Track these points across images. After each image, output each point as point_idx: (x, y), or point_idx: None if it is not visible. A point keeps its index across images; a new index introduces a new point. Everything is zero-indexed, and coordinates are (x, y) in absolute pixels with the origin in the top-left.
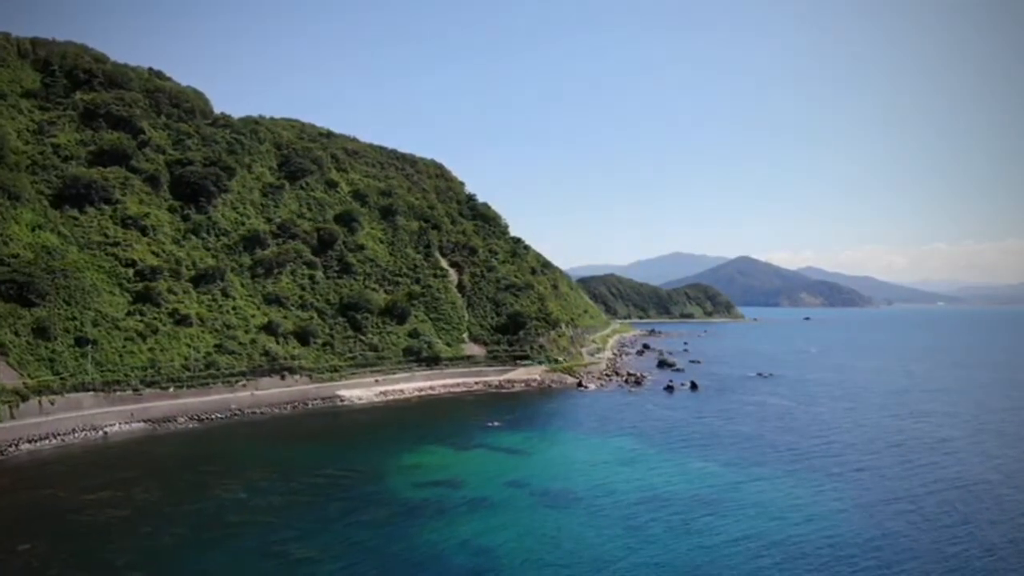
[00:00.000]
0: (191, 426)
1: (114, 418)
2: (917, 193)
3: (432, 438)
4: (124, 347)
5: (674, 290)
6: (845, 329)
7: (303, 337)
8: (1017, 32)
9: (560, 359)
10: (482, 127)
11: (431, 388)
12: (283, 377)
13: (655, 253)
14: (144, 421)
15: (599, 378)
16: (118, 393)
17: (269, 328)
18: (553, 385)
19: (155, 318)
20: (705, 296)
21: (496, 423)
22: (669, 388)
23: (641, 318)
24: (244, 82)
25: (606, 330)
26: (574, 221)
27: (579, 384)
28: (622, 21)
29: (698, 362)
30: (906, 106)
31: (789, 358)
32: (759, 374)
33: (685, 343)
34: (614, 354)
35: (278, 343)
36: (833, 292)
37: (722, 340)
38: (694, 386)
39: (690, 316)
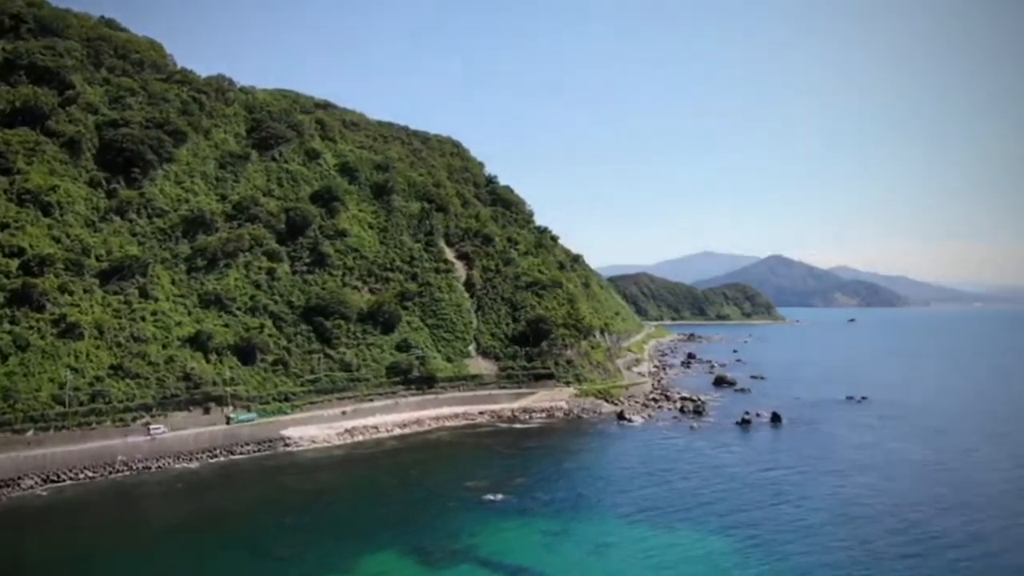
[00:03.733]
0: (41, 492)
1: None
2: (948, 191)
3: (390, 533)
4: None
5: (710, 290)
6: (896, 333)
7: (246, 353)
8: None
9: (593, 378)
10: (501, 120)
11: (418, 422)
12: (207, 411)
13: (681, 252)
14: None
15: (645, 405)
16: None
17: (197, 341)
18: (584, 416)
19: (29, 327)
20: (744, 296)
21: (499, 496)
22: (744, 422)
23: (674, 319)
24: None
25: (640, 335)
26: (598, 219)
27: (620, 415)
28: (667, 9)
29: (761, 378)
30: (932, 102)
31: (866, 372)
32: (848, 397)
33: (735, 351)
34: (656, 367)
35: (208, 361)
36: (870, 292)
37: (773, 346)
38: (776, 418)
39: (727, 317)
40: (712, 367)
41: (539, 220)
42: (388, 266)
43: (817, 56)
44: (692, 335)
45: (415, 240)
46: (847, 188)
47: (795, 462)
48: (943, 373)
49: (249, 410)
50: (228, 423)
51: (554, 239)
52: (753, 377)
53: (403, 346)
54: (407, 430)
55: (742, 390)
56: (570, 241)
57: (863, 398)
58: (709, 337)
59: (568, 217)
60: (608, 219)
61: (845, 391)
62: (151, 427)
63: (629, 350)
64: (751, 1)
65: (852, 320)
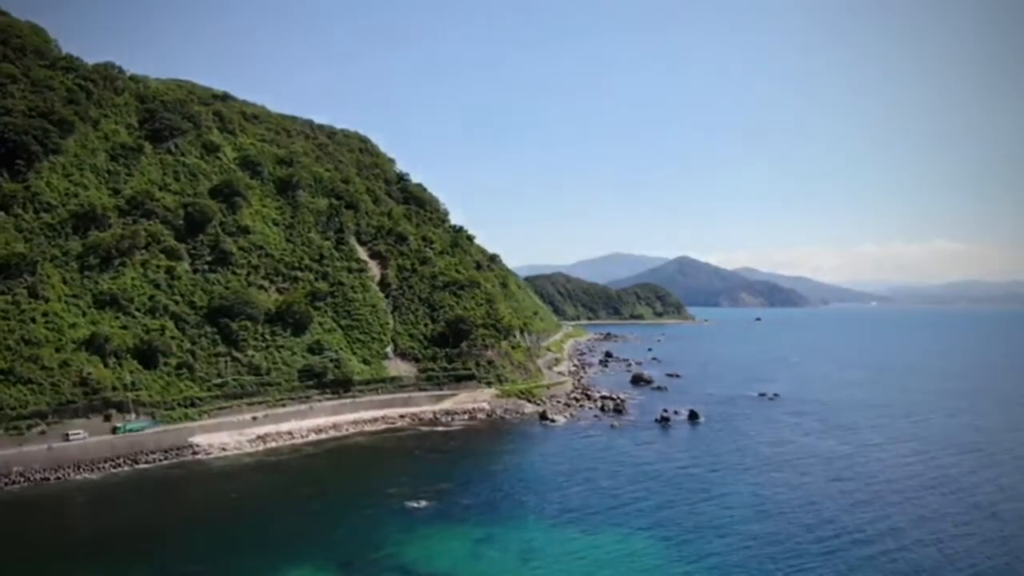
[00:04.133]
0: None
1: None
2: (845, 195)
3: (307, 545)
4: None
5: (624, 290)
6: (801, 331)
7: (147, 356)
8: (920, 34)
9: (515, 378)
10: (416, 120)
11: (335, 427)
12: (107, 418)
13: (596, 253)
14: None
15: (567, 404)
16: None
17: (94, 344)
18: (507, 416)
19: None
20: (655, 296)
21: (422, 502)
22: (663, 420)
23: (590, 319)
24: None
25: (559, 334)
26: (514, 219)
27: (542, 416)
28: (572, 17)
29: (676, 375)
30: (830, 108)
31: (776, 369)
32: (761, 394)
33: (649, 349)
34: (576, 366)
35: (106, 366)
36: (773, 292)
37: (686, 345)
38: (694, 416)
39: (640, 317)
40: (629, 366)
41: (454, 219)
42: (296, 265)
43: (735, 58)
44: (608, 334)
45: (324, 238)
46: (751, 192)
47: (713, 459)
48: (839, 368)
49: (153, 417)
50: (115, 432)
51: (470, 238)
52: (669, 375)
53: (316, 348)
54: (323, 436)
55: (659, 388)
56: (487, 240)
57: (775, 395)
58: (625, 336)
59: (485, 216)
60: (526, 218)
61: (757, 388)
62: (70, 433)
63: (549, 349)
64: None
65: (758, 319)
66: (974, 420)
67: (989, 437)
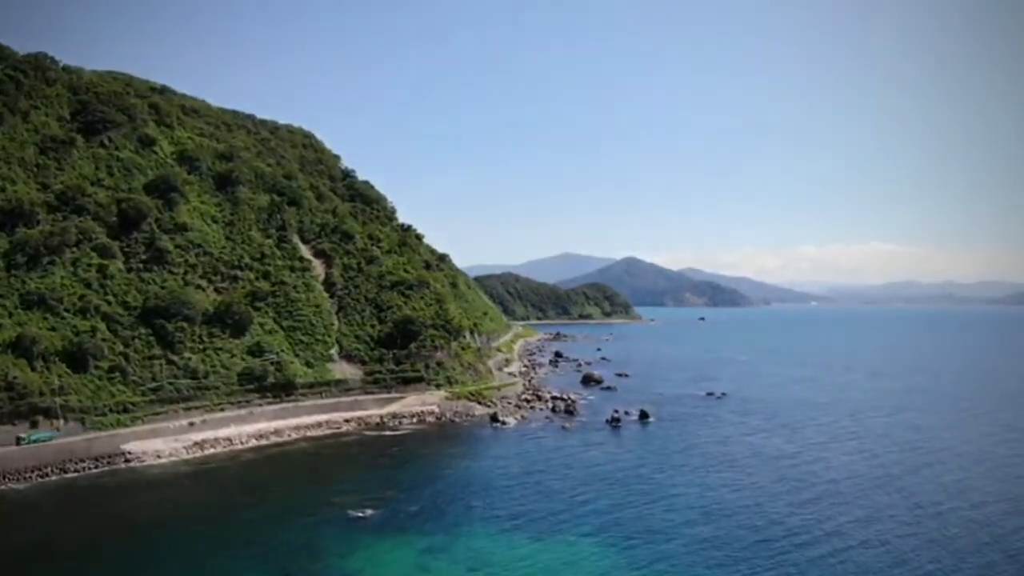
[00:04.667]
0: None
1: None
2: (784, 197)
3: (246, 558)
4: None
5: (573, 290)
6: (745, 330)
7: (77, 359)
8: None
9: (465, 380)
10: (360, 116)
11: (277, 433)
12: (34, 424)
13: (545, 253)
14: None
15: (518, 406)
16: None
17: (20, 346)
18: (457, 419)
19: None
20: (603, 296)
21: (368, 511)
22: (613, 421)
23: (540, 319)
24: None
25: (509, 334)
26: (465, 220)
27: (493, 418)
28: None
29: (625, 375)
30: (768, 111)
31: (722, 368)
32: (709, 394)
33: (598, 349)
34: (526, 366)
35: (33, 369)
36: (716, 292)
37: (634, 344)
38: (644, 416)
39: (589, 317)
40: (579, 365)
41: (404, 219)
42: (236, 264)
43: (683, 64)
44: (558, 334)
45: (266, 236)
46: (695, 195)
47: (664, 461)
48: (787, 367)
49: (83, 424)
50: (18, 444)
51: (419, 237)
52: (618, 375)
53: (256, 350)
54: (264, 441)
55: (609, 388)
56: (437, 241)
57: (723, 394)
58: (574, 336)
59: (435, 216)
60: (476, 219)
61: (705, 387)
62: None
63: (499, 350)
64: None
65: (702, 319)
66: (914, 419)
67: (928, 435)
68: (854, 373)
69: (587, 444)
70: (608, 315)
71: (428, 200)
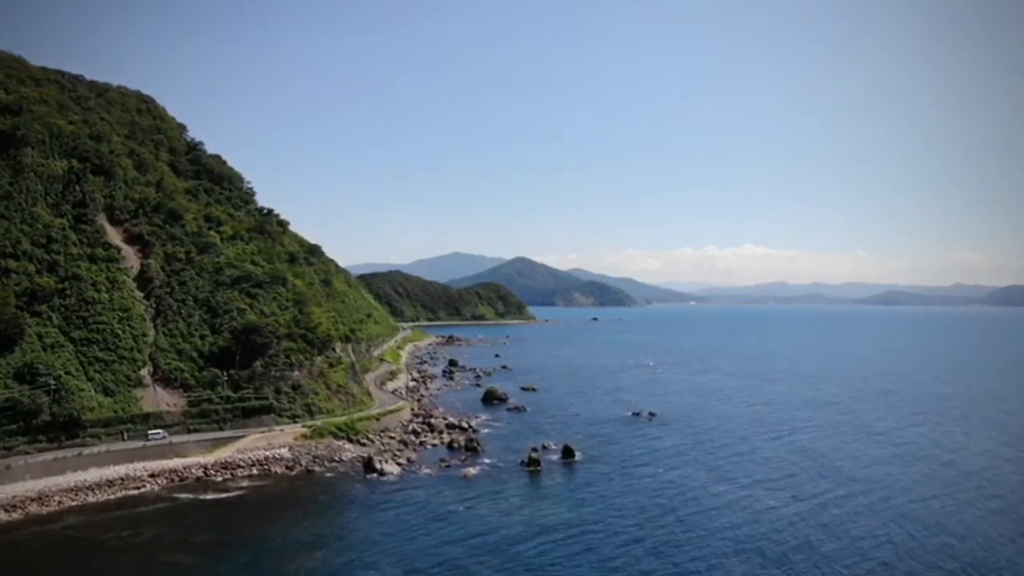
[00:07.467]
0: None
1: None
2: (664, 202)
3: None
4: None
5: (465, 290)
6: (638, 332)
7: None
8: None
9: (332, 407)
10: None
11: (40, 501)
12: None
13: (434, 253)
14: None
15: (403, 442)
16: None
17: None
18: (317, 468)
19: None
20: (497, 296)
21: None
22: (531, 463)
23: (431, 320)
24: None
25: (396, 338)
26: (350, 216)
27: (367, 465)
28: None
29: (533, 389)
30: (650, 123)
31: (637, 379)
32: (635, 414)
33: (497, 355)
34: (415, 380)
35: None
36: (603, 292)
37: (534, 348)
38: (568, 453)
39: (482, 317)
40: (478, 376)
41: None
42: (8, 250)
43: (575, 58)
44: (451, 337)
45: (58, 214)
46: (580, 197)
47: (603, 529)
48: (698, 374)
49: None
50: None
51: (282, 224)
52: (524, 389)
53: (28, 373)
54: (15, 516)
55: (517, 408)
56: (320, 238)
57: (650, 415)
58: (468, 340)
59: (318, 213)
60: (362, 216)
61: (628, 407)
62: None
63: (383, 359)
64: None
65: (595, 319)
66: (842, 441)
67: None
68: (768, 381)
69: (499, 510)
70: (502, 315)
71: (312, 196)
